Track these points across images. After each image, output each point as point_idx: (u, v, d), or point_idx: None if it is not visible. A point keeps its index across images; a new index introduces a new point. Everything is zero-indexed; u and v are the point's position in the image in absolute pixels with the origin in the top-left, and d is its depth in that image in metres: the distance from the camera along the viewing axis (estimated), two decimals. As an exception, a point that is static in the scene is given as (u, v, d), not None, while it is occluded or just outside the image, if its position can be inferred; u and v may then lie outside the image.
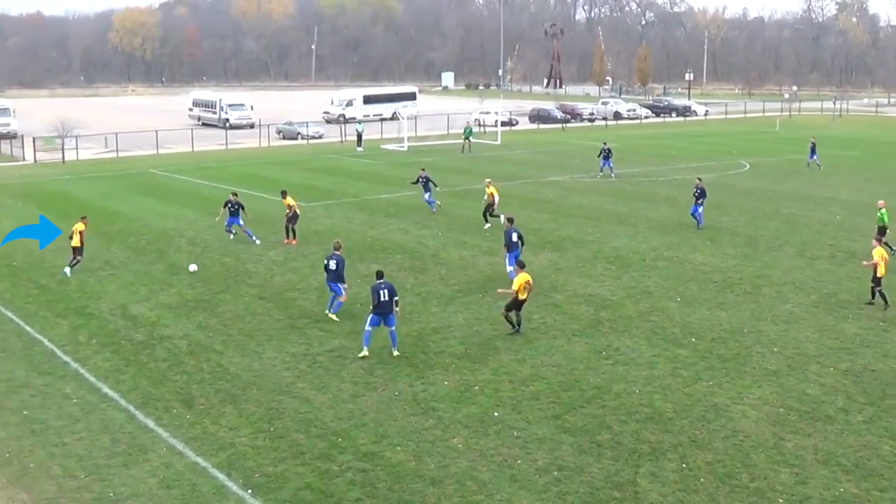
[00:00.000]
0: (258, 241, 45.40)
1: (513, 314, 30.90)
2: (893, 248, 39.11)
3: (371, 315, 28.83)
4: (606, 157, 69.38)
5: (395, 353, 28.93)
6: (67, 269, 40.14)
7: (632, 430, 23.15)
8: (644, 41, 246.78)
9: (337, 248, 33.21)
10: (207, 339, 30.89)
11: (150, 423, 24.00)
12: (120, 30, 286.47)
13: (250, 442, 22.78)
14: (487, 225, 48.56)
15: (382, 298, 28.50)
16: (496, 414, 24.28)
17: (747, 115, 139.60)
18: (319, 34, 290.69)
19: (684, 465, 21.25)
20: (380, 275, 29.26)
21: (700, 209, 48.44)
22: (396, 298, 28.94)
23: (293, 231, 45.95)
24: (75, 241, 40.37)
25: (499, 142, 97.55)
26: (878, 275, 33.51)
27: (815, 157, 73.35)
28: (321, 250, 42.64)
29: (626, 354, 28.80)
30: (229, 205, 45.78)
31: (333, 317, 32.80)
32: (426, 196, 54.32)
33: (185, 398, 25.71)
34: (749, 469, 21.06)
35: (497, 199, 49.25)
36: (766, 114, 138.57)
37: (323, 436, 23.05)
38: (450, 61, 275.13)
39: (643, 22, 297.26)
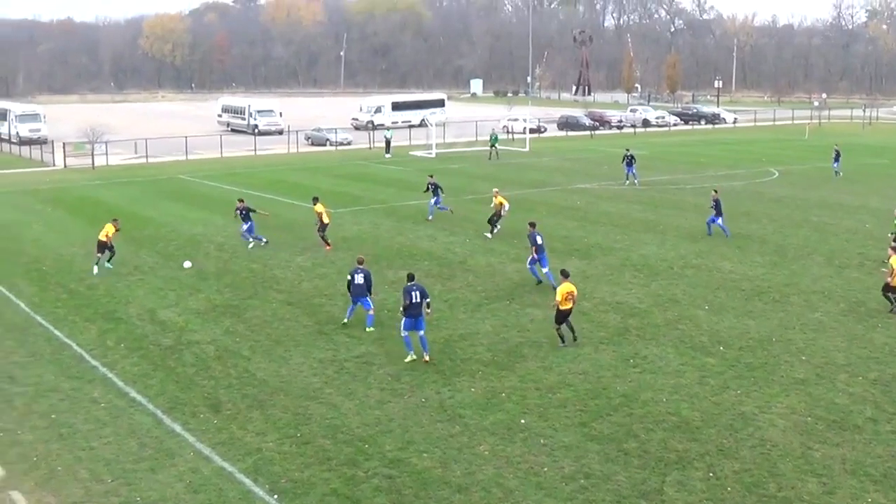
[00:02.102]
0: (265, 241, 46.12)
1: (564, 327, 30.38)
2: None
3: (403, 319, 28.96)
4: (630, 164, 69.37)
5: (427, 358, 28.94)
6: (95, 268, 41.18)
7: (659, 439, 23.08)
8: (673, 48, 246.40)
9: (361, 263, 32.79)
10: (235, 345, 30.98)
11: (177, 428, 24.09)
12: (150, 36, 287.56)
13: (277, 447, 22.81)
14: (491, 233, 48.75)
15: (414, 300, 28.70)
16: (523, 421, 24.24)
17: (776, 123, 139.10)
18: (348, 41, 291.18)
19: (711, 474, 21.17)
20: (411, 277, 29.58)
21: (719, 219, 48.11)
22: (428, 300, 29.24)
23: (323, 238, 46.37)
24: (102, 236, 41.34)
25: (527, 149, 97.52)
26: (894, 284, 33.55)
27: (837, 166, 73.58)
28: (349, 256, 42.64)
29: (654, 363, 28.71)
30: (239, 212, 46.37)
31: (370, 329, 32.28)
32: (432, 201, 54.23)
33: (213, 403, 25.78)
34: (776, 478, 20.97)
35: (507, 206, 49.08)
36: (795, 121, 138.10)
37: (349, 442, 23.07)
38: (478, 68, 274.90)
39: (672, 29, 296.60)
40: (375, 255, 44.22)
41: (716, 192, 50.11)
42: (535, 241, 38.05)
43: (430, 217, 53.93)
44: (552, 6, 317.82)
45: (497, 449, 22.59)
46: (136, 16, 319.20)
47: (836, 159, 73.97)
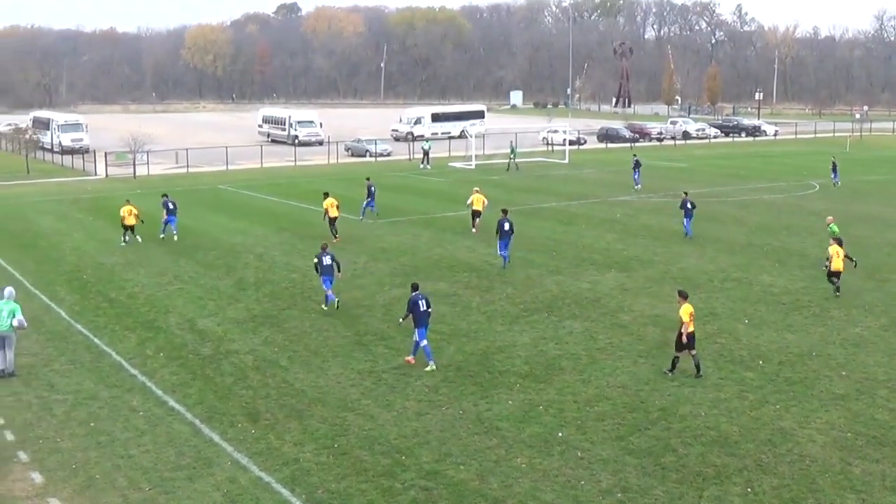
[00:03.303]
0: (163, 236, 51.52)
1: (685, 354, 28.49)
2: (854, 259, 41.10)
3: (417, 329, 29.52)
4: (635, 168, 73.63)
5: (411, 359, 29.85)
6: (123, 242, 50.00)
7: (697, 453, 22.95)
8: (713, 60, 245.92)
9: (325, 248, 37.12)
10: (273, 355, 31.06)
11: (216, 437, 24.17)
12: (192, 47, 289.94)
13: (314, 458, 22.84)
14: (473, 230, 52.52)
15: (423, 308, 29.37)
16: (560, 434, 24.18)
17: (817, 136, 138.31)
18: (389, 52, 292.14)
19: (749, 490, 21.03)
20: (415, 287, 30.13)
21: (688, 220, 51.56)
22: (431, 309, 30.03)
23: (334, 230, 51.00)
24: (130, 221, 49.87)
25: (567, 160, 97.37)
26: (833, 269, 38.24)
27: (836, 177, 75.33)
28: (389, 268, 42.98)
29: (693, 376, 28.55)
30: (164, 205, 52.16)
31: (325, 308, 36.67)
32: (368, 201, 59.32)
33: (251, 413, 25.86)
34: (815, 494, 20.80)
35: (469, 200, 53.55)
36: (836, 134, 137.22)
37: (386, 453, 23.08)
38: (518, 80, 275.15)
39: (713, 41, 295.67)
40: (414, 266, 44.28)
41: (686, 194, 53.82)
42: (502, 226, 43.69)
43: (362, 218, 58.65)
44: (592, 18, 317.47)
45: (534, 462, 22.54)
46: (178, 26, 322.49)
47: (834, 171, 75.70)
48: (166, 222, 51.59)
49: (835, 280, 38.51)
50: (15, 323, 28.97)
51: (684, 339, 28.14)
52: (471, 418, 25.33)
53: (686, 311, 28.22)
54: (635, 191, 71.90)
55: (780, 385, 27.75)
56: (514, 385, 27.93)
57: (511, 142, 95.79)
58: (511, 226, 43.96)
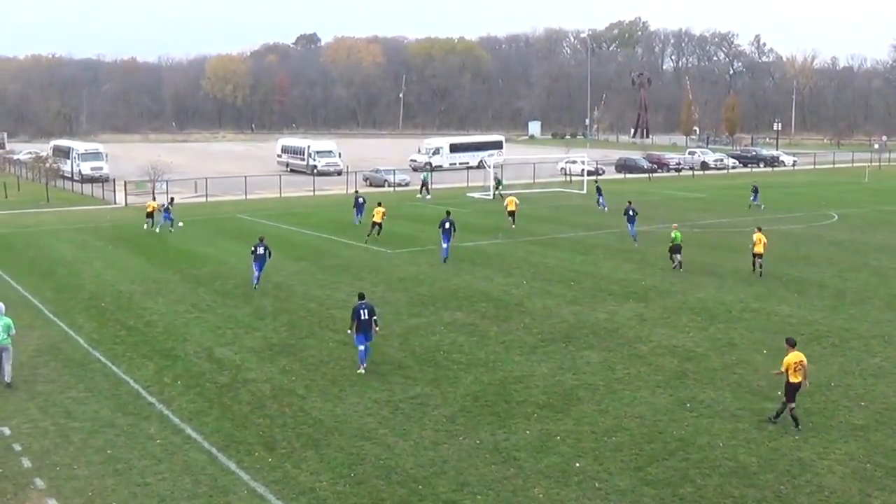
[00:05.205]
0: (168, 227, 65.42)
1: (793, 406, 26.74)
2: (681, 265, 49.90)
3: (356, 335, 31.77)
4: (599, 193, 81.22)
5: (363, 369, 31.87)
6: (150, 226, 66.69)
7: (715, 484, 22.84)
8: (732, 91, 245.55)
9: (262, 240, 46.52)
10: (291, 384, 31.06)
11: (232, 466, 24.15)
12: (212, 77, 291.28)
13: (331, 487, 22.80)
14: (513, 226, 66.45)
15: (362, 318, 31.49)
16: (578, 464, 24.09)
17: (836, 166, 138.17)
18: (408, 82, 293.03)
19: (768, 521, 20.92)
20: (361, 296, 32.61)
21: (632, 226, 60.86)
22: (375, 318, 32.07)
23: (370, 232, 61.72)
24: (150, 209, 68.22)
25: (584, 191, 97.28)
26: (756, 252, 48.39)
27: (756, 199, 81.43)
28: (406, 297, 42.99)
29: (711, 407, 28.46)
30: (168, 205, 68.63)
31: (256, 288, 45.22)
32: (355, 212, 70.68)
33: (268, 441, 25.84)
34: (835, 526, 20.68)
35: (505, 202, 68.70)
36: (854, 164, 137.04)
37: (403, 483, 23.02)
38: (537, 110, 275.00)
39: (731, 71, 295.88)
40: (432, 295, 44.27)
41: (630, 203, 62.87)
42: (443, 225, 52.60)
43: (357, 222, 69.86)
44: (611, 49, 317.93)
45: (551, 492, 22.46)
46: (198, 56, 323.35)
47: (755, 195, 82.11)
48: (166, 216, 67.11)
49: (758, 260, 48.52)
50: None
51: (789, 387, 26.58)
52: (488, 448, 25.27)
53: (789, 360, 26.56)
54: (603, 213, 77.35)
55: (798, 415, 27.60)
56: (532, 415, 27.87)
57: (496, 174, 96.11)
58: (451, 224, 52.71)
